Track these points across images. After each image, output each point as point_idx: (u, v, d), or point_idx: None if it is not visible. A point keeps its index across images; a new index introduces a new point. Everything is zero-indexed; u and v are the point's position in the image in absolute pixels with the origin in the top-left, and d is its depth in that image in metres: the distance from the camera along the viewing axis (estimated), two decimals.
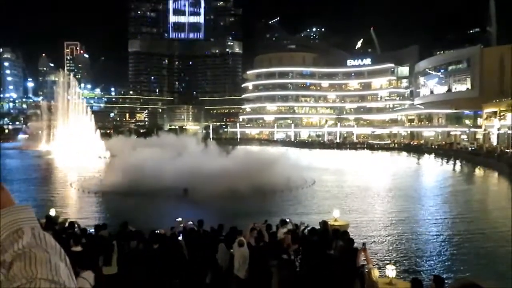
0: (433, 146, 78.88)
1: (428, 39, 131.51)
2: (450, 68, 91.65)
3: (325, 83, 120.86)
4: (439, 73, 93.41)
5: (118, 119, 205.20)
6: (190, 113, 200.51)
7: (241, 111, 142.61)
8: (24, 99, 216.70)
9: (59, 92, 78.69)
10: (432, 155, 69.15)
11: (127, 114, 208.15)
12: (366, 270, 9.04)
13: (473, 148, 66.58)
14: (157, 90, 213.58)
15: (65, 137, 59.92)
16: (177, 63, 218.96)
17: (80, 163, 40.51)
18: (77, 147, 52.09)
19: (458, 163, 57.57)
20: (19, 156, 66.23)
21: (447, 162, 59.58)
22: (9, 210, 1.00)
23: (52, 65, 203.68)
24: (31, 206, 1.05)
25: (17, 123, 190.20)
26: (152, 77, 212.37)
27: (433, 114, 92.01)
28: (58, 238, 9.17)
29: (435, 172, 49.43)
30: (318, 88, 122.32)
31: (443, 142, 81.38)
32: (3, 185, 1.06)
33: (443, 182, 38.76)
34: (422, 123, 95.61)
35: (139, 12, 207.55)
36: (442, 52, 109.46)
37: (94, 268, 9.00)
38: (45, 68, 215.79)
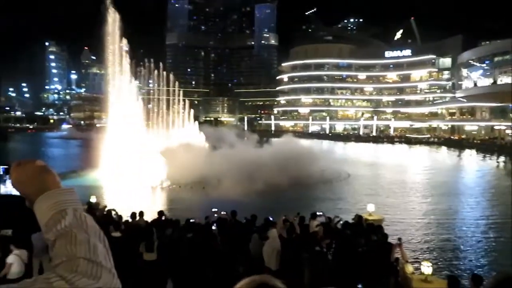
0: (475, 141, 75.77)
1: (472, 29, 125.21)
2: (496, 59, 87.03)
3: (362, 75, 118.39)
4: (484, 65, 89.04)
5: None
6: (225, 105, 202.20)
7: (275, 103, 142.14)
8: (67, 91, 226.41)
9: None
10: (474, 151, 66.44)
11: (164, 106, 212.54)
12: (400, 265, 8.93)
13: None
14: (193, 82, 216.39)
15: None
16: (213, 55, 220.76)
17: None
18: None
19: (502, 159, 55.04)
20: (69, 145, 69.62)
21: (490, 158, 57.10)
22: (55, 192, 1.09)
23: (94, 58, 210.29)
24: (75, 189, 1.13)
25: (61, 113, 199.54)
26: (189, 69, 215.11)
27: (476, 107, 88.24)
28: (98, 224, 9.63)
29: (477, 168, 47.48)
30: (355, 80, 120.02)
31: (486, 137, 77.96)
32: (51, 168, 1.15)
33: (485, 179, 37.20)
34: (464, 116, 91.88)
35: (176, 5, 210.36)
36: (487, 42, 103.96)
37: (134, 254, 9.45)
38: (87, 61, 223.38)
